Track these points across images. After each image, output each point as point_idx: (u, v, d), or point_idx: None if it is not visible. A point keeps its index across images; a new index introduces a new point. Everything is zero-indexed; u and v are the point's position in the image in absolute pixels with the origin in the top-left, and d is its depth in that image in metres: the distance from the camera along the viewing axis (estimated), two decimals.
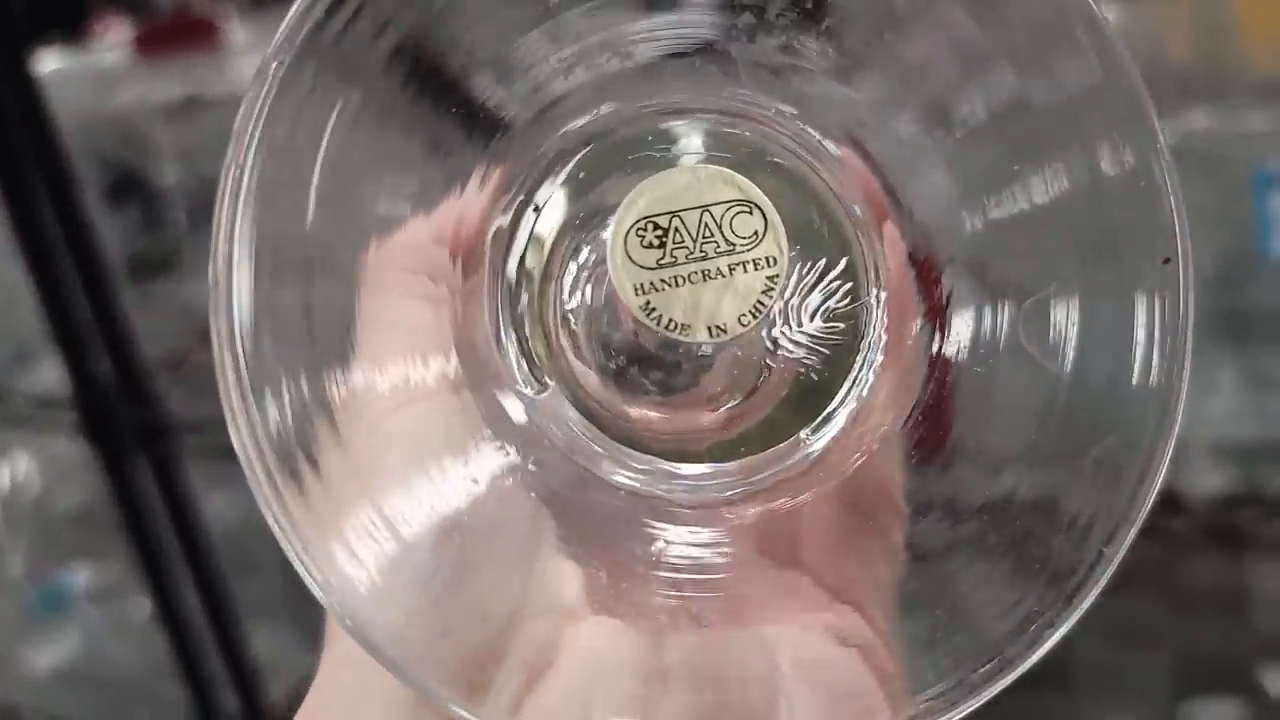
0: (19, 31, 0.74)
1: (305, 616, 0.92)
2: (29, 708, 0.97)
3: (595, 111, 0.18)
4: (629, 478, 0.18)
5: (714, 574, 0.18)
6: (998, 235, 0.17)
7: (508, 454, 0.17)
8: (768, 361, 0.18)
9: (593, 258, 0.18)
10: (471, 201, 0.17)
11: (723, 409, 0.18)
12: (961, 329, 0.18)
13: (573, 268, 0.18)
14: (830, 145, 0.18)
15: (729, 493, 0.19)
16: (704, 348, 0.18)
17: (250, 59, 0.89)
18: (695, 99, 0.18)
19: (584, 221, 0.18)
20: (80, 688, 0.95)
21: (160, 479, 0.81)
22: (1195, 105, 0.57)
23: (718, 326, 0.16)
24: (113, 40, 0.93)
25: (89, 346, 0.78)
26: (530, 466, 0.17)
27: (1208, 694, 0.69)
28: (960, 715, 0.16)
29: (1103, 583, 0.16)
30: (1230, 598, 0.68)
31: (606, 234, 0.16)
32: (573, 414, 0.18)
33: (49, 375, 0.85)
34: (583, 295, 0.18)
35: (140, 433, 0.80)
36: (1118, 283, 0.17)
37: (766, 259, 0.16)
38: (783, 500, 0.18)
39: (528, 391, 0.18)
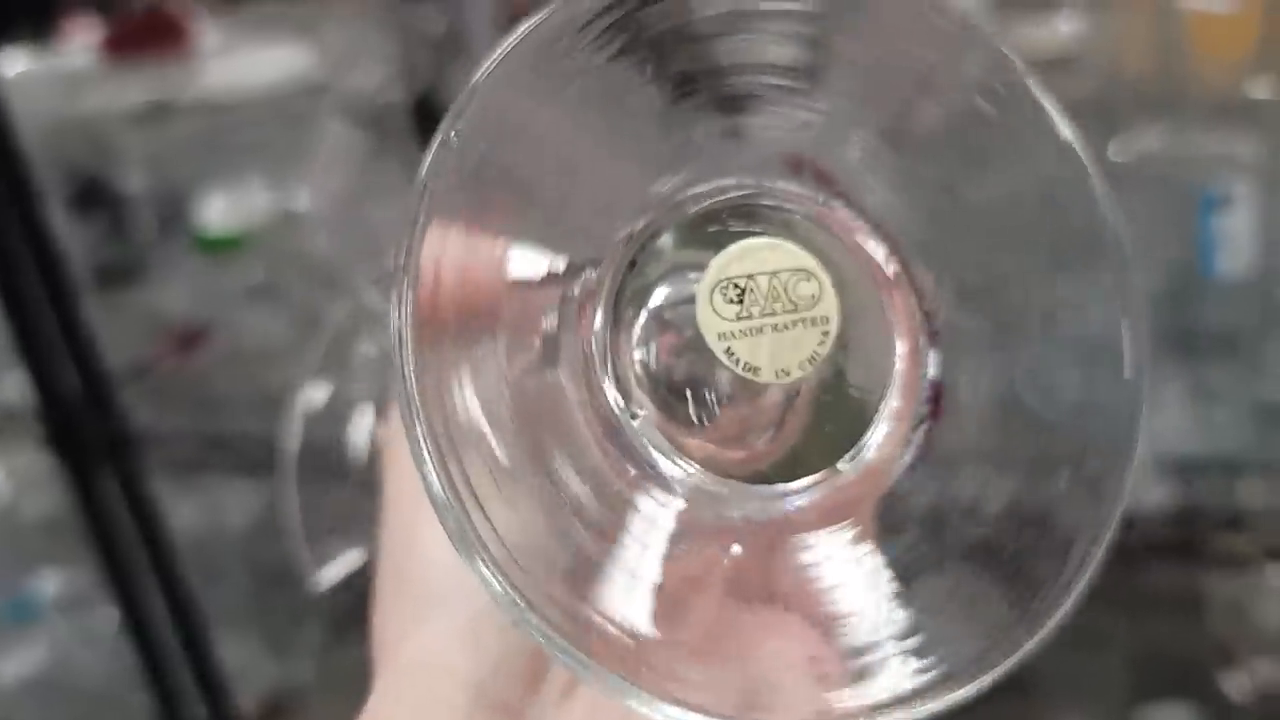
0: None
1: (272, 626, 0.92)
2: None
3: (702, 188, 0.21)
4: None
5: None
6: (975, 258, 0.21)
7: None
8: (796, 404, 0.21)
9: (660, 310, 0.21)
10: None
11: (758, 442, 0.21)
12: (951, 355, 0.21)
13: (643, 316, 0.21)
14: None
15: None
16: (740, 391, 0.21)
17: (221, 62, 0.88)
18: (758, 187, 0.21)
19: (664, 279, 0.21)
20: (47, 697, 0.94)
21: (126, 490, 0.81)
22: (1152, 123, 0.58)
23: (782, 370, 0.20)
24: (81, 42, 0.92)
25: (54, 358, 0.78)
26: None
27: (1164, 697, 0.70)
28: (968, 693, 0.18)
29: (1084, 583, 0.19)
30: (1185, 604, 0.69)
31: (693, 289, 0.20)
32: (658, 438, 0.21)
33: (13, 387, 0.84)
34: (649, 344, 0.21)
35: (106, 445, 0.80)
36: (1084, 301, 0.20)
37: (822, 317, 0.20)
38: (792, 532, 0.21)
39: (630, 418, 0.21)
